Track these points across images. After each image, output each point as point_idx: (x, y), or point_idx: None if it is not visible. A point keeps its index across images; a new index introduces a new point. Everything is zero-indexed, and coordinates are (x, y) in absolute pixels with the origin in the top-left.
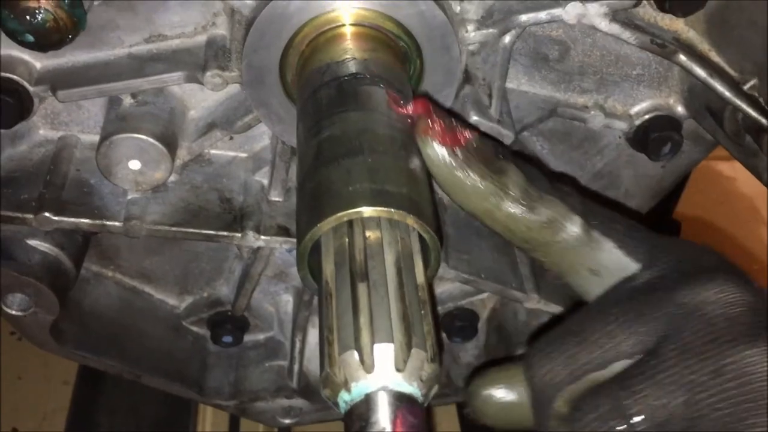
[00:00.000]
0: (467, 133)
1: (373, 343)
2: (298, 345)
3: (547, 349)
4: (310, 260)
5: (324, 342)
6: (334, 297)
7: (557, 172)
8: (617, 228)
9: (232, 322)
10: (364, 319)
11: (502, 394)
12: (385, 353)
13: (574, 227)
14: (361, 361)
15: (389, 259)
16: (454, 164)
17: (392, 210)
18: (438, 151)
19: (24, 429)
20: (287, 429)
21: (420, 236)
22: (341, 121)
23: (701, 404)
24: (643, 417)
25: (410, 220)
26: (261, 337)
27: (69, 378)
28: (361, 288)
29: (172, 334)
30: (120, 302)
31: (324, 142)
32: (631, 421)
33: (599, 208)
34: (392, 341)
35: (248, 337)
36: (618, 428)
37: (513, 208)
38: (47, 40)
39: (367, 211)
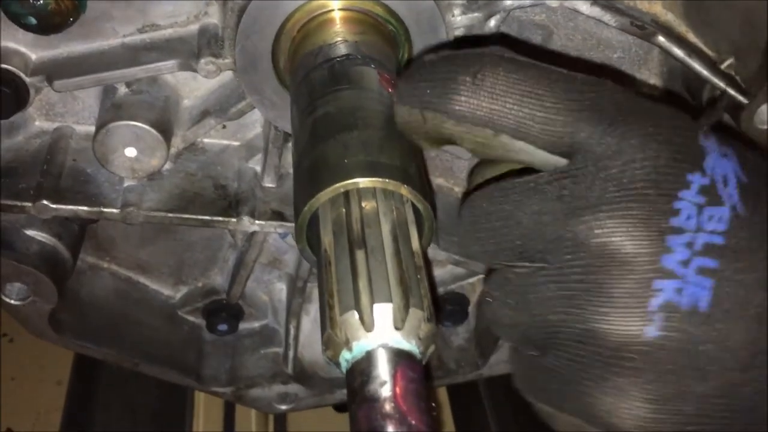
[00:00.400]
0: None
1: (372, 303)
2: (292, 332)
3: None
4: (308, 234)
5: (325, 306)
6: (333, 264)
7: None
8: (540, 119)
9: (227, 310)
10: (363, 283)
11: None
12: (384, 312)
13: (469, 135)
14: (362, 320)
15: (385, 227)
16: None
17: (387, 180)
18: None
19: (18, 429)
20: (282, 416)
21: (414, 207)
22: (335, 99)
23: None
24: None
25: (404, 190)
26: (256, 325)
27: (62, 378)
28: (359, 254)
29: (168, 324)
30: (116, 293)
31: (319, 119)
32: None
33: (532, 84)
34: (391, 301)
35: (243, 326)
36: None
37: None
38: (49, 22)
39: (363, 181)
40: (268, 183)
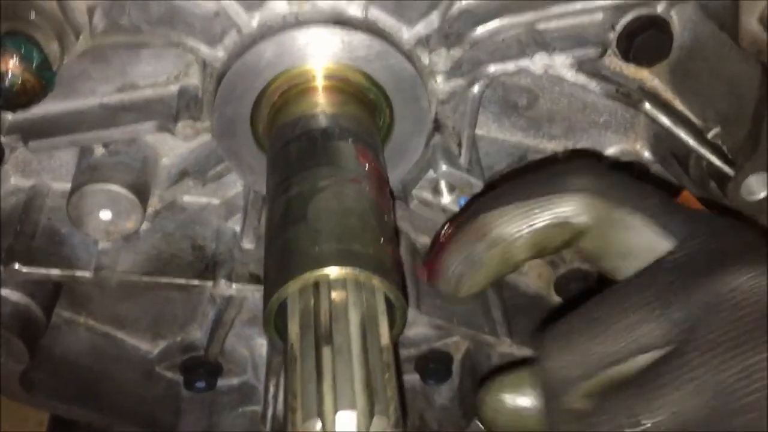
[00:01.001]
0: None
1: (335, 410)
2: (272, 390)
3: (562, 339)
4: (277, 317)
5: (288, 408)
6: (299, 361)
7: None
8: (648, 203)
9: (205, 367)
10: (327, 386)
11: (512, 400)
12: (347, 421)
13: (584, 216)
14: (324, 429)
15: (354, 321)
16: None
17: (358, 271)
18: None
19: None
20: None
21: (386, 295)
22: (310, 178)
23: (727, 408)
24: (660, 419)
25: (375, 281)
26: (235, 381)
27: (43, 419)
28: (326, 352)
29: (144, 381)
30: (92, 349)
31: (293, 199)
32: (646, 424)
33: (628, 181)
34: (355, 408)
35: (222, 382)
36: (628, 430)
37: (514, 238)
38: (15, 102)
39: (333, 272)
40: (247, 244)
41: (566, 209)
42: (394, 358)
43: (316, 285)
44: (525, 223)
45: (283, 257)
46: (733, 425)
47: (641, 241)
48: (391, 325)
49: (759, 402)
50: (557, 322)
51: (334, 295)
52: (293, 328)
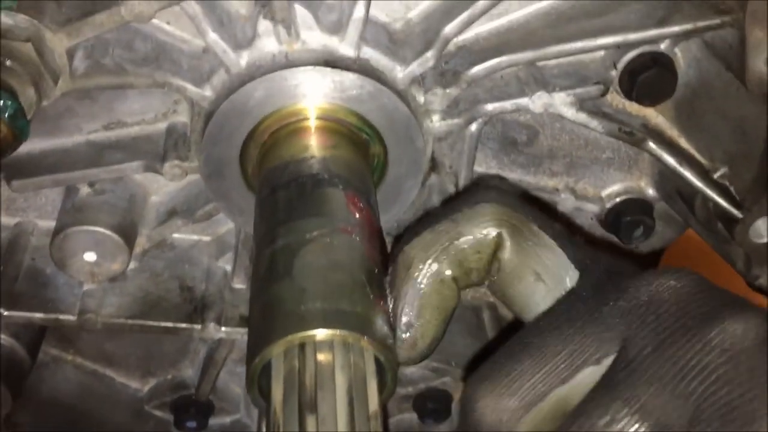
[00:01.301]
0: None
1: None
2: (264, 429)
3: (492, 376)
4: (262, 375)
5: None
6: (281, 430)
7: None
8: (552, 226)
9: (197, 406)
10: None
11: None
12: None
13: (498, 225)
14: None
15: (341, 387)
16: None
17: (346, 332)
18: None
19: None
20: None
21: (376, 356)
22: (297, 230)
23: (698, 390)
24: (645, 423)
25: (364, 343)
26: (227, 420)
27: None
28: (310, 422)
29: (133, 420)
30: (80, 387)
31: (278, 252)
32: (626, 419)
33: (530, 206)
34: None
35: (214, 421)
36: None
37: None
38: None
39: (320, 333)
40: (238, 284)
41: (480, 219)
42: (383, 424)
43: (302, 346)
44: (443, 240)
45: (267, 315)
46: (708, 406)
47: (552, 261)
48: (381, 386)
49: (723, 378)
50: (479, 368)
51: (320, 357)
52: (277, 393)
